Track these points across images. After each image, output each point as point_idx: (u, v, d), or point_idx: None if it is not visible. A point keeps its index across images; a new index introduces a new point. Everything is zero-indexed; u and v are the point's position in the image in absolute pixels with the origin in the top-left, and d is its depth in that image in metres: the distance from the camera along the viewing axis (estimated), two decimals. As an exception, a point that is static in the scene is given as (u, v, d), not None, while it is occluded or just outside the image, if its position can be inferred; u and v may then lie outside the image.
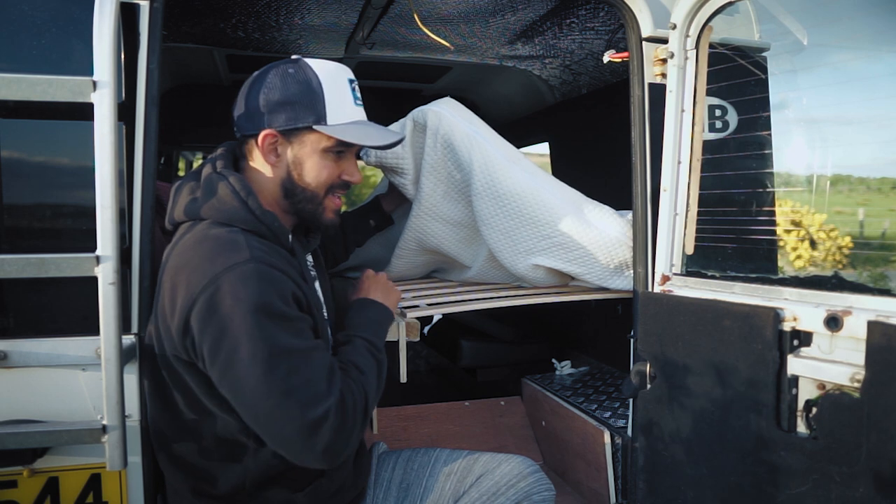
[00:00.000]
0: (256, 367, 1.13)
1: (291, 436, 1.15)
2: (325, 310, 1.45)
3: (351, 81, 1.39)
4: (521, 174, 1.94)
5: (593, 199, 2.07)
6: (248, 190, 1.30)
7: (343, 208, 1.57)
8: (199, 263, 1.20)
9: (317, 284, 1.49)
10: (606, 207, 2.03)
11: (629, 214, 1.99)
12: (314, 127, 1.32)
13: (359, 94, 1.40)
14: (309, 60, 1.36)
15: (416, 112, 1.95)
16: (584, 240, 1.92)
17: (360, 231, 2.06)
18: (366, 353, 1.37)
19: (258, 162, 1.38)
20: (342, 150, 1.37)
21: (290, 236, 1.36)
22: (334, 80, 1.35)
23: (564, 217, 1.92)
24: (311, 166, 1.35)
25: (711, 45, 1.75)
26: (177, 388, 1.29)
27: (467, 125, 1.95)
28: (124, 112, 1.42)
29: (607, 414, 2.25)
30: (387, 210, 2.10)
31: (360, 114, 1.39)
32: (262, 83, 1.34)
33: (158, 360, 1.30)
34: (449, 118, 1.92)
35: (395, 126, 2.01)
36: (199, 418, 1.29)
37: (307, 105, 1.31)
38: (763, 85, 1.88)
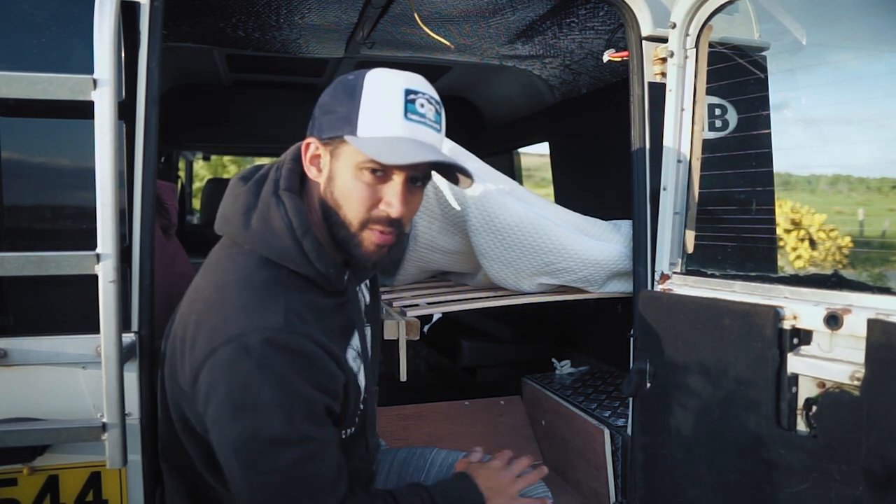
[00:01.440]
0: (258, 445, 1.05)
1: None
2: (356, 372, 1.27)
3: (409, 92, 1.14)
4: (517, 205, 1.93)
5: (593, 199, 2.09)
6: (305, 227, 1.16)
7: None
8: (230, 312, 1.09)
9: (366, 329, 1.35)
10: (605, 223, 2.05)
11: (626, 225, 2.01)
12: (345, 137, 1.14)
13: (421, 109, 1.14)
14: (379, 69, 1.18)
15: None
16: (587, 260, 1.94)
17: None
18: None
19: (311, 175, 1.22)
20: (381, 170, 1.13)
21: (346, 276, 1.22)
22: (381, 87, 1.14)
23: (565, 242, 1.93)
24: (343, 183, 1.15)
25: (711, 45, 1.75)
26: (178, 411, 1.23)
27: (456, 162, 1.90)
28: (124, 111, 1.42)
29: (607, 413, 2.25)
30: None
31: (411, 130, 1.13)
32: (326, 89, 1.22)
33: (167, 381, 1.23)
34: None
35: None
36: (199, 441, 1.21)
37: (346, 113, 1.14)
38: (763, 84, 1.88)
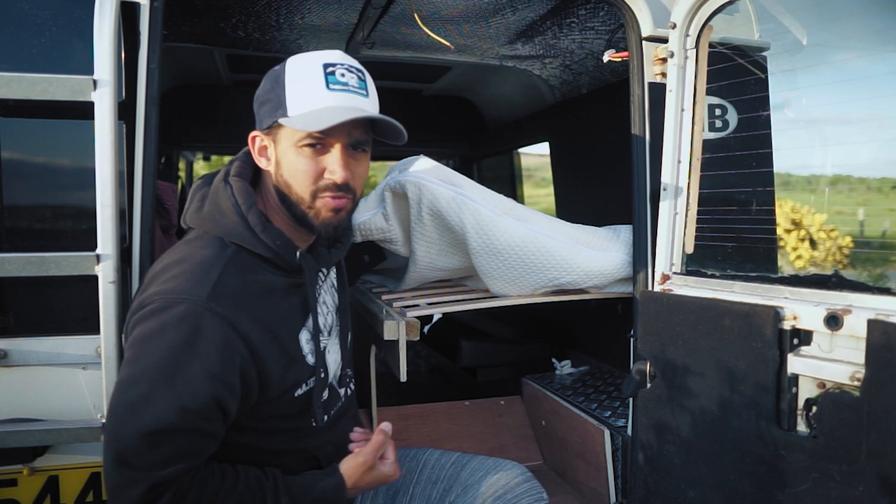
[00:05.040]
0: (128, 394, 1.08)
1: (105, 468, 1.11)
2: (308, 353, 1.29)
3: (328, 66, 1.21)
4: (515, 225, 1.92)
5: (593, 199, 2.09)
6: (249, 203, 1.23)
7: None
8: (166, 279, 1.15)
9: (322, 310, 1.37)
10: (604, 231, 2.06)
11: (625, 230, 2.02)
12: (279, 121, 1.22)
13: (342, 78, 1.22)
14: (299, 53, 1.26)
15: (392, 183, 1.88)
16: (590, 272, 1.95)
17: (353, 268, 1.99)
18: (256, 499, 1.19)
19: (262, 165, 1.30)
20: (316, 143, 1.21)
21: (299, 253, 1.27)
22: (301, 67, 1.22)
23: (567, 256, 1.94)
24: (288, 164, 1.23)
25: (711, 45, 1.75)
26: None
27: (449, 188, 1.88)
28: (124, 111, 1.42)
29: (607, 413, 2.25)
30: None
31: (336, 99, 1.20)
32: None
33: None
34: (429, 185, 1.85)
35: (372, 196, 1.96)
36: None
37: (276, 99, 1.22)
38: (763, 84, 1.88)
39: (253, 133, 1.28)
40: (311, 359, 1.28)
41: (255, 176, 1.32)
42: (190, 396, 1.08)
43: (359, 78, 1.25)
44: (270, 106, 1.23)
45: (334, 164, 1.22)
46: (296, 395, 1.26)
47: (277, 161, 1.25)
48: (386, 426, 1.32)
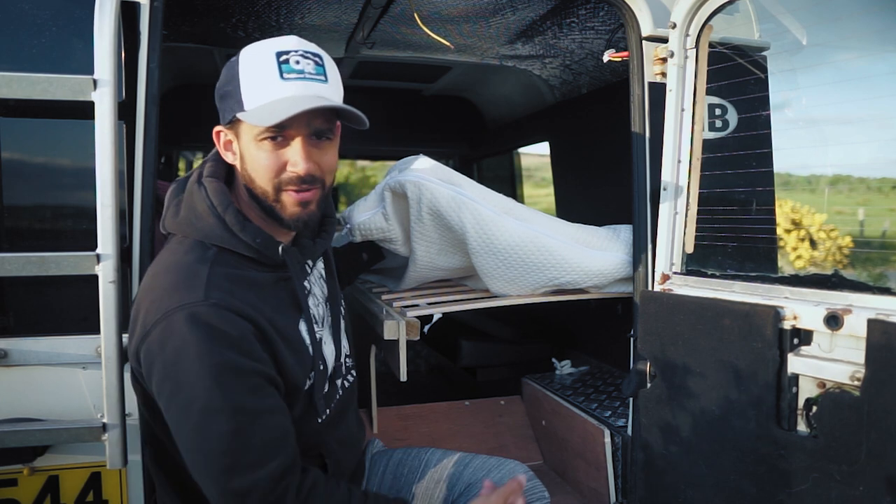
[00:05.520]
0: (192, 418, 1.07)
1: (213, 496, 1.10)
2: (309, 345, 1.29)
3: (281, 54, 1.16)
4: (515, 224, 1.92)
5: (593, 199, 2.09)
6: (225, 203, 1.21)
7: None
8: (159, 295, 1.14)
9: (311, 302, 1.36)
10: (604, 230, 2.06)
11: (625, 230, 2.02)
12: (237, 115, 1.18)
13: (297, 66, 1.16)
14: (252, 43, 1.21)
15: (392, 182, 1.88)
16: (590, 272, 1.96)
17: (352, 266, 2.00)
18: None
19: (228, 160, 1.27)
20: (274, 136, 1.17)
21: (281, 248, 1.25)
22: (253, 58, 1.18)
23: (567, 256, 1.94)
24: (250, 158, 1.20)
25: (711, 45, 1.75)
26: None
27: (448, 187, 1.88)
28: (125, 111, 1.42)
29: (607, 413, 2.25)
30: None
31: (292, 88, 1.15)
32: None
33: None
34: (428, 185, 1.85)
35: (372, 196, 1.95)
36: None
37: (233, 92, 1.18)
38: (763, 84, 1.88)
39: (217, 128, 1.25)
40: (311, 350, 1.28)
41: (228, 174, 1.30)
42: (239, 382, 1.09)
43: (315, 63, 1.19)
44: (229, 100, 1.19)
45: (296, 156, 1.18)
46: (304, 388, 1.26)
47: (241, 155, 1.22)
48: (522, 479, 1.26)
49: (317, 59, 1.20)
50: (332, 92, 1.20)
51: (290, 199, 1.21)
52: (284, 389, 1.19)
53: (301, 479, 1.14)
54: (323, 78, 1.19)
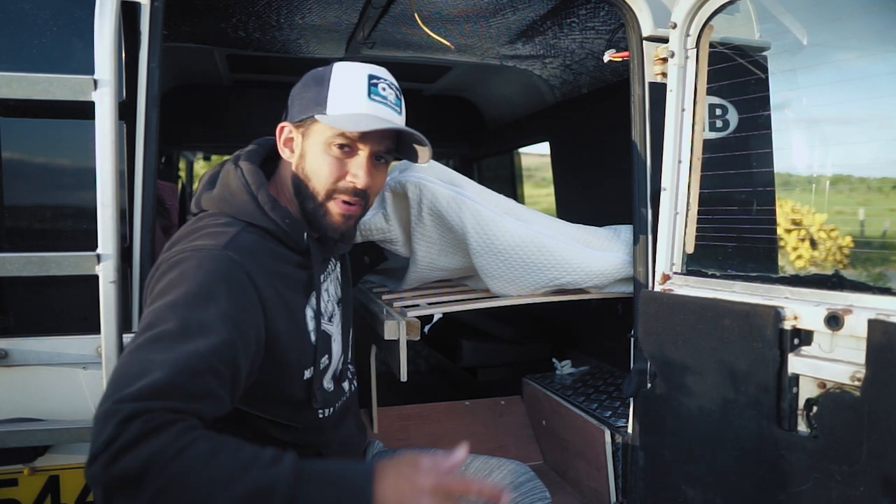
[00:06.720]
0: (154, 311, 1.02)
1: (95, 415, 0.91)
2: (311, 331, 1.27)
3: (372, 77, 1.28)
4: (515, 225, 1.93)
5: (593, 199, 2.09)
6: (259, 183, 1.25)
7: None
8: (180, 240, 1.17)
9: (323, 297, 1.35)
10: (604, 231, 2.06)
11: (626, 230, 2.02)
12: (315, 116, 1.26)
13: (383, 92, 1.28)
14: (345, 61, 1.31)
15: (392, 183, 1.89)
16: (590, 272, 1.96)
17: (353, 268, 2.02)
18: (258, 474, 0.91)
19: (284, 156, 1.33)
20: (347, 145, 1.25)
21: (306, 235, 1.28)
22: (347, 72, 1.29)
23: (567, 256, 1.94)
24: (313, 158, 1.27)
25: (712, 45, 1.75)
26: None
27: (449, 188, 1.89)
28: (125, 111, 1.42)
29: (608, 413, 2.25)
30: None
31: (373, 108, 1.26)
32: (298, 82, 1.35)
33: None
34: (429, 186, 1.86)
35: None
36: None
37: (316, 97, 1.27)
38: (763, 84, 1.88)
39: (282, 124, 1.32)
40: (313, 337, 1.29)
41: (264, 163, 1.35)
42: (212, 332, 1.00)
43: (396, 96, 1.31)
44: (307, 101, 1.27)
45: (358, 168, 1.27)
46: (304, 377, 1.27)
47: (302, 153, 1.29)
48: (462, 454, 1.08)
49: (398, 91, 1.32)
50: (402, 122, 1.32)
51: (336, 209, 1.28)
52: (263, 357, 1.13)
53: (197, 425, 0.94)
54: (398, 109, 1.31)
